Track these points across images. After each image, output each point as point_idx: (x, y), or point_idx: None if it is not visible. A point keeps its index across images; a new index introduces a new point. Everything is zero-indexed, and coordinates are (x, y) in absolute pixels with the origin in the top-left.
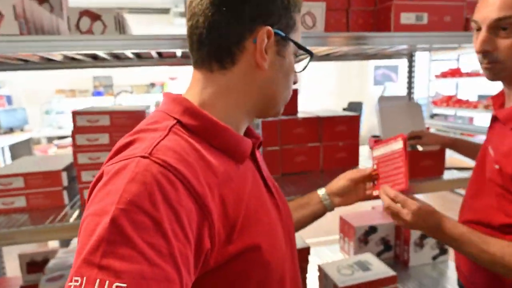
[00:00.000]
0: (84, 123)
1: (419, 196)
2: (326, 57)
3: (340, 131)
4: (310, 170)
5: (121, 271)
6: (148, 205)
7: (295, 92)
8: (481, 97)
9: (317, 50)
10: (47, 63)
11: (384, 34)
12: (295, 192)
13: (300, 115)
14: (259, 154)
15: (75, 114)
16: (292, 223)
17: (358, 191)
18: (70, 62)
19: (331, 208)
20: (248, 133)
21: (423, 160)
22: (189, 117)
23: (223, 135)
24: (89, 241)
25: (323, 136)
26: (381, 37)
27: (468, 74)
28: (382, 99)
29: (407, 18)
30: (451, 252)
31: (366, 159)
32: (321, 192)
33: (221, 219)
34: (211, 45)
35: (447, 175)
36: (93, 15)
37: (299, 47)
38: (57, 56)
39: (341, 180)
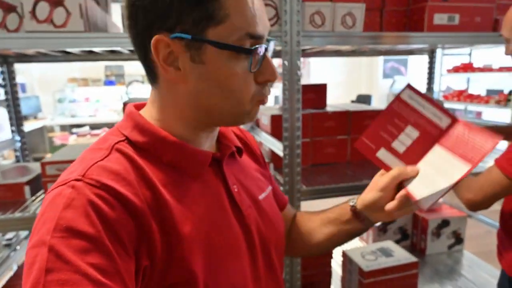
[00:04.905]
0: None
1: None
2: (341, 53)
3: (368, 125)
4: (337, 161)
5: None
6: (86, 227)
7: (324, 87)
8: (489, 92)
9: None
10: (65, 56)
11: (419, 34)
12: (325, 182)
13: (330, 108)
14: (235, 163)
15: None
16: (278, 240)
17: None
18: (86, 55)
19: (370, 224)
20: (221, 141)
21: None
22: (137, 134)
23: (172, 151)
24: (31, 274)
25: (352, 129)
26: (417, 37)
27: (480, 69)
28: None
29: (440, 18)
30: (467, 241)
31: None
32: (352, 203)
33: (163, 240)
34: (139, 58)
35: None
36: None
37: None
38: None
39: (371, 193)
